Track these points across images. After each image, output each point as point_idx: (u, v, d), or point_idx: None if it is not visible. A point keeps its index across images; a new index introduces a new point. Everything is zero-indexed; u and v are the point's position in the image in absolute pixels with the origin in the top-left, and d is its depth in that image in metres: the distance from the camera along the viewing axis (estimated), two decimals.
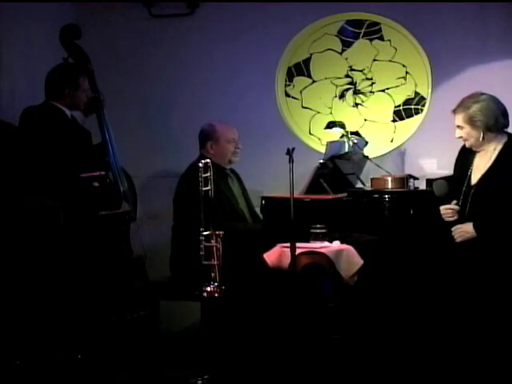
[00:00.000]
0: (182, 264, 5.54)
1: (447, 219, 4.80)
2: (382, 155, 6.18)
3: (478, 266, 4.63)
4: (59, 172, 4.97)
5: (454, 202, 4.78)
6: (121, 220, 5.43)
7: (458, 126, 4.84)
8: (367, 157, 5.98)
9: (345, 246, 5.04)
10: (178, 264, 5.62)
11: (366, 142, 6.14)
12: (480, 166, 4.82)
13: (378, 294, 5.25)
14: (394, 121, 6.32)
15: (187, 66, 6.48)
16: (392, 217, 5.27)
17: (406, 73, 6.27)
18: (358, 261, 5.00)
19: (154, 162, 6.49)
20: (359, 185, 5.86)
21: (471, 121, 4.78)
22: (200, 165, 4.76)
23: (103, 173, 5.09)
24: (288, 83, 6.46)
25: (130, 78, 6.51)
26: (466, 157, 4.91)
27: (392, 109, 6.32)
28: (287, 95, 6.47)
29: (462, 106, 4.82)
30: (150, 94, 6.51)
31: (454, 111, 4.85)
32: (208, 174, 4.74)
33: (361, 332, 5.19)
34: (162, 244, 5.96)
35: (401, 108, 6.28)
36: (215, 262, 4.68)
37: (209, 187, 4.73)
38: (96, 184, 5.03)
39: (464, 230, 4.73)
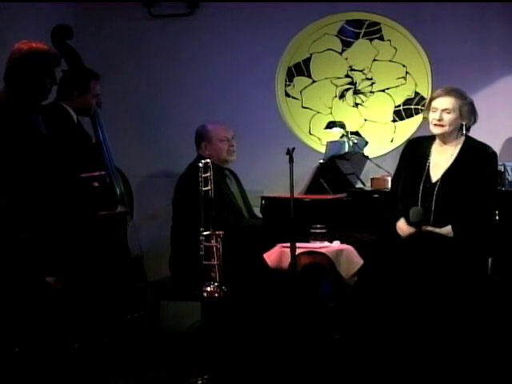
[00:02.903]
0: (181, 264, 5.54)
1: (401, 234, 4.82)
2: (382, 155, 6.17)
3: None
4: (60, 172, 4.97)
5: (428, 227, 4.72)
6: (119, 220, 5.44)
7: (445, 110, 4.72)
8: (367, 157, 5.98)
9: (345, 246, 5.04)
10: (177, 264, 5.62)
11: (366, 142, 6.14)
12: (440, 163, 4.78)
13: (378, 294, 5.24)
14: (394, 121, 6.32)
15: (187, 66, 6.47)
16: None
17: (406, 73, 6.27)
18: (358, 261, 5.00)
19: (153, 162, 6.48)
20: (359, 185, 5.86)
21: (462, 109, 4.74)
22: (200, 165, 4.76)
23: (103, 173, 5.09)
24: (288, 83, 6.46)
25: (129, 78, 6.51)
26: (418, 152, 4.85)
27: (392, 109, 6.32)
28: (287, 95, 6.47)
29: (456, 92, 4.76)
30: (149, 94, 6.50)
31: (446, 94, 4.75)
32: (208, 174, 4.73)
33: (361, 332, 5.18)
34: (162, 244, 5.96)
35: (401, 108, 6.28)
36: (215, 262, 4.68)
37: (209, 187, 4.73)
38: (96, 184, 5.03)
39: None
